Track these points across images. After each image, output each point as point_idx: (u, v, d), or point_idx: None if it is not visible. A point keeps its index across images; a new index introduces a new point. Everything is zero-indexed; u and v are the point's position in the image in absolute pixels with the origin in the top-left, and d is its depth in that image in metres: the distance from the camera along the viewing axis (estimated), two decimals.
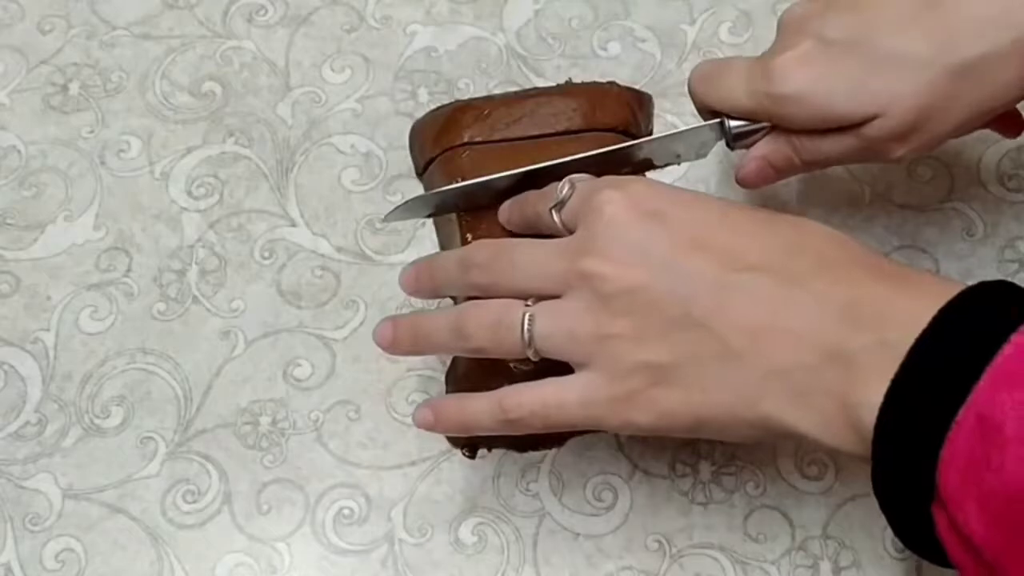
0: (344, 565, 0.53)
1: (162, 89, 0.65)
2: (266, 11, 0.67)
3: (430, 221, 0.60)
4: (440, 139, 0.60)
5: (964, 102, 0.47)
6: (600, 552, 0.53)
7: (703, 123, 0.52)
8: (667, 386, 0.43)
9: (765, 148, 0.51)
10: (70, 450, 0.55)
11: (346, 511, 0.54)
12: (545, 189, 0.49)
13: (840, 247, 0.43)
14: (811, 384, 0.40)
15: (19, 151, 0.63)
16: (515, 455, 0.55)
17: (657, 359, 0.42)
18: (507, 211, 0.52)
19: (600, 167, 0.51)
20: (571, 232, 0.46)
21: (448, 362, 0.56)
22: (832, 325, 0.40)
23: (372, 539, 0.53)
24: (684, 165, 0.59)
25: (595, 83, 0.63)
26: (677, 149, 0.54)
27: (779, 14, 0.63)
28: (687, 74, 0.63)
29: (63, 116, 0.64)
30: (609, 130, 0.60)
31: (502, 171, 0.58)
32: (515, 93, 0.62)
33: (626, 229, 0.43)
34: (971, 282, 0.39)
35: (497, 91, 0.63)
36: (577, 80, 0.63)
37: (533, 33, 0.66)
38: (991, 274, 0.58)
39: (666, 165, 0.55)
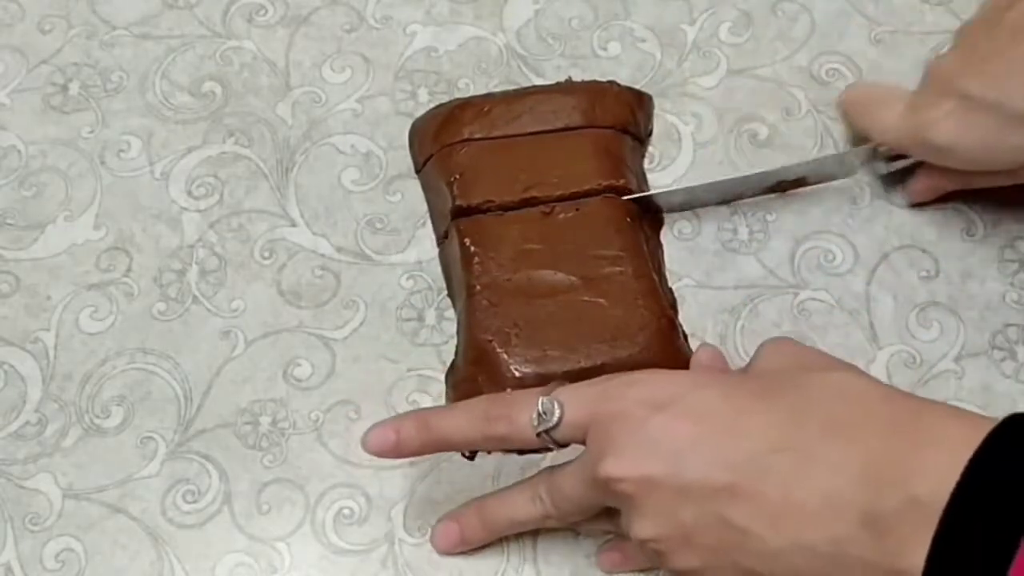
0: (344, 565, 0.53)
1: (162, 89, 0.65)
2: (266, 11, 0.67)
3: (430, 221, 0.60)
4: (440, 136, 0.60)
5: None
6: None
7: (859, 147, 0.58)
8: None
9: (927, 181, 0.58)
10: (70, 450, 0.55)
11: (346, 511, 0.54)
12: (511, 403, 0.48)
13: (850, 401, 0.42)
14: (843, 554, 0.40)
15: (19, 151, 0.63)
16: (515, 455, 0.55)
17: (689, 566, 0.43)
18: (457, 425, 0.49)
19: (758, 187, 0.58)
20: (563, 446, 0.47)
21: (448, 363, 0.56)
22: (854, 490, 0.39)
23: (372, 539, 0.53)
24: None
25: (595, 82, 0.63)
26: (831, 169, 0.59)
27: (779, 15, 0.63)
28: (687, 74, 0.64)
29: (63, 116, 0.64)
30: (608, 128, 0.60)
31: (500, 168, 0.58)
32: (515, 91, 0.63)
33: (637, 427, 0.44)
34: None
35: (497, 91, 0.63)
36: (577, 80, 0.63)
37: (533, 33, 0.66)
38: (991, 274, 0.58)
39: (818, 183, 0.59)
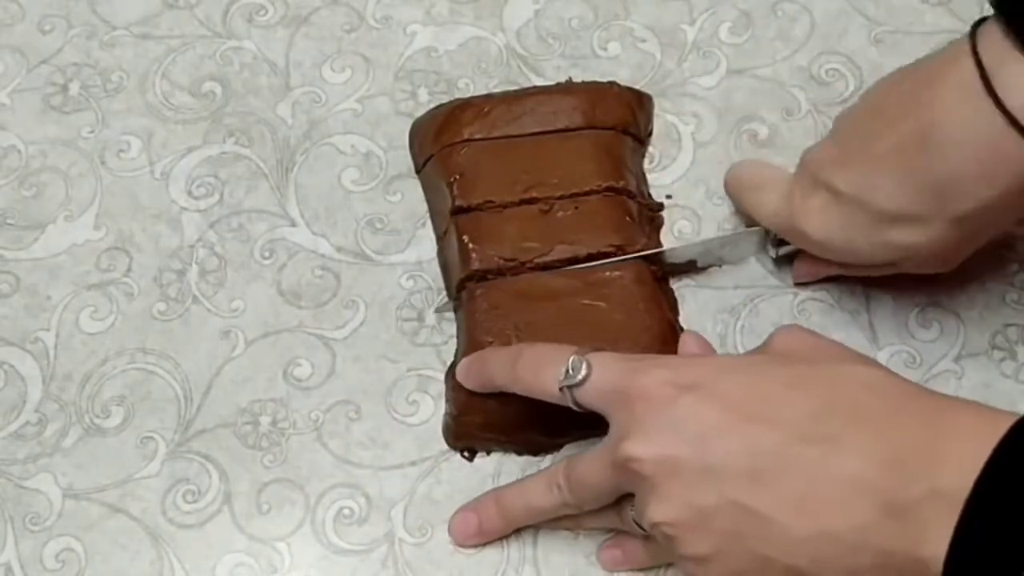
0: (344, 565, 0.53)
1: (162, 89, 0.65)
2: (266, 11, 0.67)
3: (430, 221, 0.60)
4: (440, 136, 0.60)
5: (981, 236, 0.50)
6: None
7: (747, 230, 0.57)
8: (711, 564, 0.44)
9: (808, 266, 0.56)
10: (70, 450, 0.55)
11: (346, 511, 0.54)
12: (544, 355, 0.49)
13: (877, 394, 0.43)
14: (865, 542, 0.40)
15: (19, 151, 0.63)
16: (514, 455, 0.55)
17: (698, 552, 0.43)
18: (485, 369, 0.52)
19: (647, 267, 0.55)
20: (584, 409, 0.47)
21: (448, 363, 0.56)
22: (879, 479, 0.40)
23: (372, 539, 0.53)
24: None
25: (595, 82, 0.63)
26: (721, 253, 0.58)
27: (779, 15, 0.63)
28: (687, 74, 0.64)
29: (63, 116, 0.64)
30: (609, 128, 0.60)
31: (501, 169, 0.58)
32: (515, 91, 0.63)
33: (662, 408, 0.44)
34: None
35: (497, 91, 0.63)
36: (577, 80, 0.63)
37: (533, 33, 0.66)
38: (991, 274, 0.58)
39: (708, 267, 0.58)
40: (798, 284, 0.57)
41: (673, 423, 0.44)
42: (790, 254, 0.57)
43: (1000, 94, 0.43)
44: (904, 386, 0.43)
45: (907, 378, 0.44)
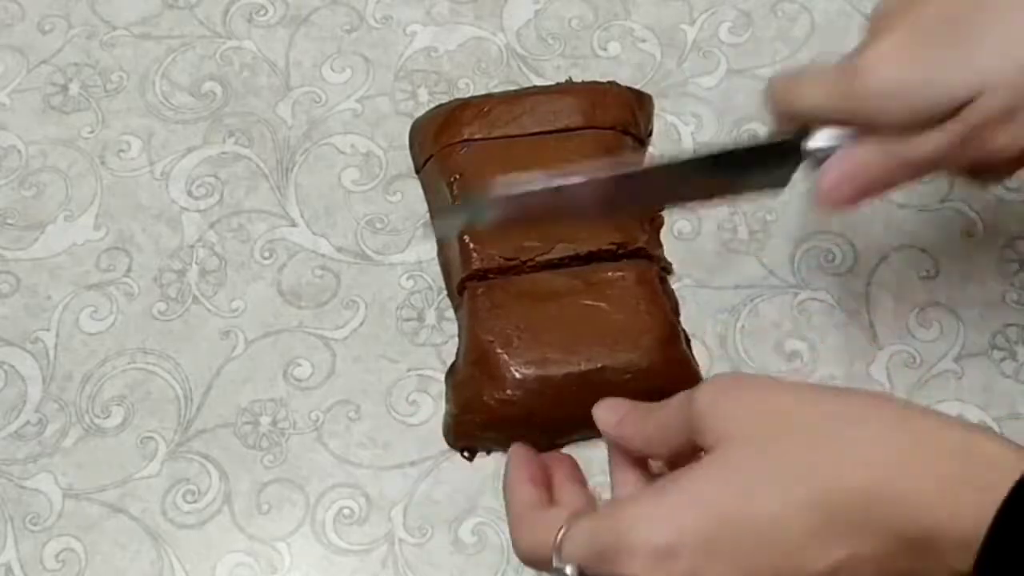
0: (344, 565, 0.53)
1: (162, 89, 0.65)
2: (266, 11, 0.67)
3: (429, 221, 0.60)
4: (440, 136, 0.60)
5: None
6: None
7: (782, 132, 0.47)
8: None
9: (850, 158, 0.45)
10: (70, 450, 0.55)
11: (346, 511, 0.54)
12: (541, 527, 0.44)
13: (862, 515, 0.39)
14: None
15: (19, 151, 0.63)
16: None
17: None
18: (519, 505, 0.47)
19: (660, 185, 0.48)
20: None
21: (448, 363, 0.56)
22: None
23: (372, 539, 0.53)
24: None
25: (595, 82, 0.63)
26: (753, 173, 0.48)
27: (779, 15, 0.63)
28: (687, 74, 0.64)
29: (63, 116, 0.64)
30: (609, 128, 0.60)
31: (501, 169, 0.58)
32: (515, 91, 0.63)
33: None
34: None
35: (497, 91, 0.63)
36: (577, 80, 0.64)
37: (533, 33, 0.66)
38: (991, 274, 0.58)
39: (743, 194, 0.49)
40: (824, 212, 0.47)
41: None
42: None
43: None
44: (893, 509, 0.39)
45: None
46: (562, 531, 0.42)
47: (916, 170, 0.46)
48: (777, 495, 0.39)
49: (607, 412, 0.47)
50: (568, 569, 0.42)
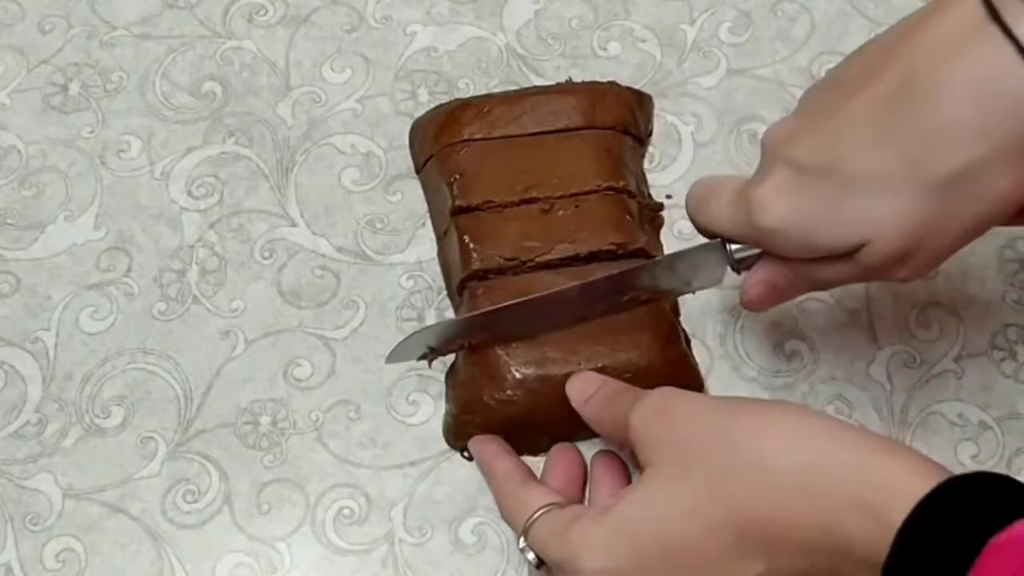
0: (344, 565, 0.53)
1: (162, 89, 0.65)
2: (266, 11, 0.67)
3: (430, 221, 0.60)
4: (440, 136, 0.60)
5: (957, 218, 0.42)
6: None
7: (706, 243, 0.50)
8: None
9: (765, 272, 0.48)
10: (70, 450, 0.55)
11: (346, 511, 0.54)
12: (518, 505, 0.49)
13: (774, 487, 0.41)
14: None
15: (19, 151, 0.63)
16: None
17: None
18: (485, 471, 0.53)
19: (610, 292, 0.52)
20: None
21: (448, 363, 0.56)
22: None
23: (372, 539, 0.53)
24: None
25: (595, 82, 0.63)
26: (687, 276, 0.52)
27: (779, 15, 0.63)
28: (687, 74, 0.64)
29: (63, 116, 0.64)
30: (609, 128, 0.60)
31: (501, 169, 0.58)
32: (515, 91, 0.63)
33: None
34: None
35: (497, 91, 0.63)
36: (577, 80, 0.63)
37: (533, 33, 0.66)
38: (991, 274, 0.58)
39: (680, 294, 0.55)
40: (748, 310, 0.51)
41: None
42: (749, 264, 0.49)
43: (1009, 24, 0.38)
44: (795, 468, 0.41)
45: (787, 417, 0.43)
46: (532, 518, 0.47)
47: (827, 286, 0.48)
48: (694, 520, 0.42)
49: (577, 389, 0.52)
50: (529, 555, 0.47)
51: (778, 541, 0.40)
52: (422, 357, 0.55)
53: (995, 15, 0.39)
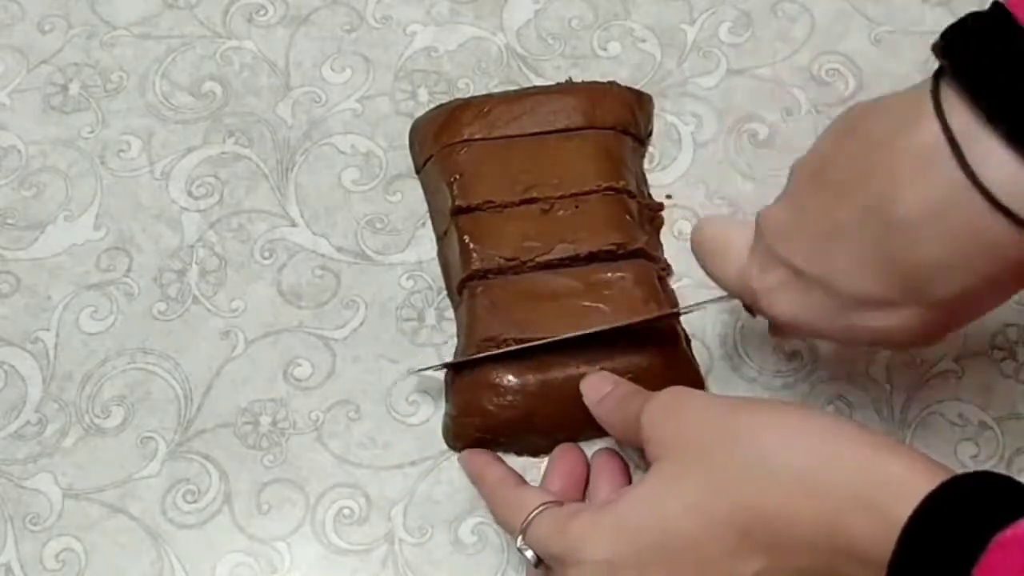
0: (344, 565, 0.53)
1: (162, 89, 0.65)
2: (266, 11, 0.67)
3: (430, 221, 0.60)
4: (440, 136, 0.60)
5: (962, 318, 0.43)
6: None
7: (720, 296, 0.51)
8: None
9: (782, 334, 0.51)
10: (70, 450, 0.55)
11: (346, 511, 0.54)
12: (513, 507, 0.49)
13: (780, 481, 0.41)
14: None
15: (19, 151, 0.63)
16: (513, 456, 0.55)
17: None
18: (477, 480, 0.53)
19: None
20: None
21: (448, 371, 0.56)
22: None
23: (372, 539, 0.53)
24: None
25: (595, 82, 0.63)
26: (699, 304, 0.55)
27: (779, 15, 0.63)
28: (687, 74, 0.64)
29: (63, 116, 0.64)
30: (609, 128, 0.60)
31: (501, 169, 0.58)
32: (515, 91, 0.63)
33: None
34: None
35: (497, 91, 0.63)
36: (577, 80, 0.63)
37: (533, 33, 0.66)
38: None
39: (690, 311, 0.56)
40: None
41: None
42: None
43: (974, 168, 0.37)
44: (798, 466, 0.41)
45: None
46: (529, 517, 0.47)
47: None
48: (697, 515, 0.42)
49: (593, 388, 0.52)
50: (528, 554, 0.47)
51: (780, 538, 0.40)
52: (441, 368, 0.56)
53: (960, 159, 0.37)
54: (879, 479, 0.39)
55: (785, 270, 0.44)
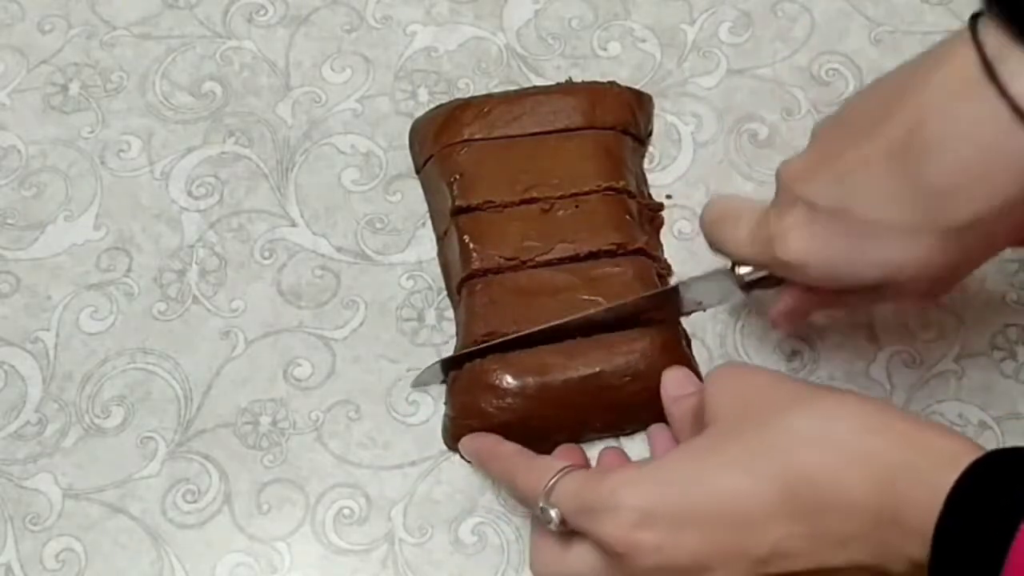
0: (344, 565, 0.53)
1: (162, 89, 0.65)
2: (266, 11, 0.67)
3: (430, 221, 0.60)
4: (440, 136, 0.60)
5: (974, 252, 0.44)
6: None
7: (715, 269, 0.52)
8: None
9: (789, 299, 0.50)
10: (70, 450, 0.55)
11: (346, 511, 0.54)
12: (536, 470, 0.48)
13: (824, 450, 0.42)
14: None
15: (19, 151, 0.63)
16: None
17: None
18: (485, 461, 0.53)
19: (622, 317, 0.54)
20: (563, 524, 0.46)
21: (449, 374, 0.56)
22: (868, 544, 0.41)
23: (372, 539, 0.53)
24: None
25: (595, 82, 0.63)
26: (697, 296, 0.55)
27: (779, 15, 0.63)
28: (687, 74, 0.64)
29: (63, 116, 0.64)
30: (609, 128, 0.60)
31: (501, 169, 0.58)
32: (515, 91, 0.63)
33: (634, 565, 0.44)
34: None
35: (497, 91, 0.63)
36: (577, 80, 0.63)
37: (533, 33, 0.66)
38: (991, 274, 0.58)
39: (690, 313, 0.57)
40: (777, 328, 0.54)
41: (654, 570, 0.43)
42: (765, 290, 0.52)
43: (1004, 83, 0.39)
44: (852, 432, 0.42)
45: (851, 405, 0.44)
46: (554, 479, 0.46)
47: (847, 306, 0.52)
48: (744, 471, 0.42)
49: (674, 383, 0.53)
50: (552, 512, 0.46)
51: (826, 503, 0.41)
52: (445, 381, 0.56)
53: (991, 74, 0.39)
54: (927, 448, 0.40)
55: (803, 209, 0.45)
